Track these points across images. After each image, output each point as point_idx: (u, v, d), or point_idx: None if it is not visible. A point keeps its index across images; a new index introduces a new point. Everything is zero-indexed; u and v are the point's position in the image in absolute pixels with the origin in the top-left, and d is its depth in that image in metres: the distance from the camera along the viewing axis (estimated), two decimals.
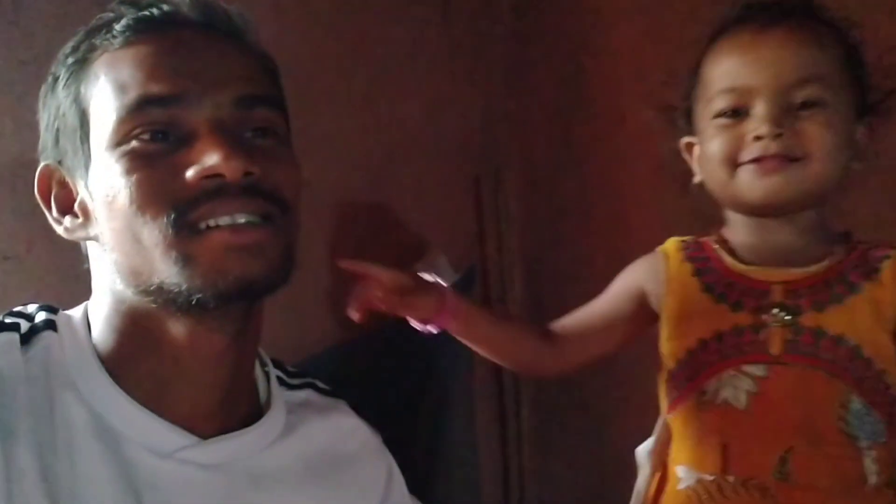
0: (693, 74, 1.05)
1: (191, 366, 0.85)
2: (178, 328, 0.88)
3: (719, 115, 1.00)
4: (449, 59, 1.56)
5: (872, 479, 0.93)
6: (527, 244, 1.54)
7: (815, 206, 0.99)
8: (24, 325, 0.88)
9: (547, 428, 1.49)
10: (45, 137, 0.93)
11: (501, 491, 1.56)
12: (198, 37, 0.90)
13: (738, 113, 0.99)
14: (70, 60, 0.91)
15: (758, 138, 0.96)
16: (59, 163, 0.92)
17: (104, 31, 0.91)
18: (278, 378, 0.94)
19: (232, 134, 0.86)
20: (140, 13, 0.90)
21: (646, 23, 1.31)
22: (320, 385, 0.98)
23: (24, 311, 0.93)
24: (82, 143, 0.88)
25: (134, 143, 0.84)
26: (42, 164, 0.94)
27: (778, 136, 0.96)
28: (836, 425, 0.93)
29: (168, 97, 0.85)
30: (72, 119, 0.89)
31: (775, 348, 0.95)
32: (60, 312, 0.93)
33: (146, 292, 0.87)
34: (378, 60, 1.44)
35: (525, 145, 1.61)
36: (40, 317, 0.91)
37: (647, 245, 1.26)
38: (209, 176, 0.83)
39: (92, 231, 0.90)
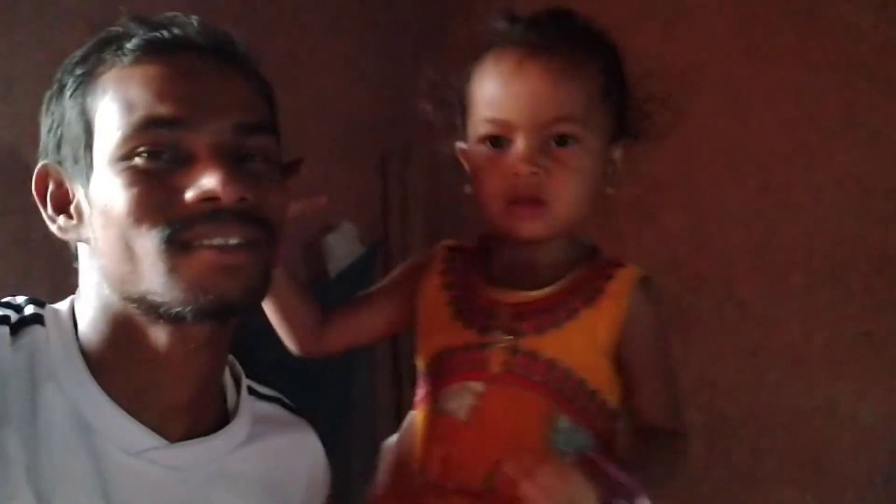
0: (467, 80, 1.02)
1: (166, 371, 0.88)
2: (157, 335, 0.93)
3: (483, 139, 0.99)
4: (363, 36, 1.59)
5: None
6: (431, 223, 1.58)
7: (567, 235, 0.99)
8: (14, 317, 0.90)
9: None
10: (47, 140, 0.94)
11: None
12: (204, 62, 0.92)
13: (500, 141, 0.98)
14: (78, 71, 0.93)
15: (516, 175, 0.96)
16: (59, 164, 0.94)
17: (114, 46, 0.92)
18: (249, 387, 0.97)
19: (230, 159, 0.90)
20: (151, 34, 0.92)
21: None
22: (287, 402, 1.03)
23: (12, 302, 0.95)
24: (85, 152, 0.90)
25: (137, 160, 0.87)
26: (41, 164, 0.96)
27: (534, 173, 0.96)
28: (541, 443, 0.94)
29: (173, 120, 0.87)
30: (76, 128, 0.91)
31: (495, 367, 0.97)
32: (48, 307, 0.95)
33: (130, 299, 0.90)
34: (296, 34, 1.46)
35: (433, 124, 1.65)
36: (28, 310, 0.94)
37: None
38: (206, 199, 0.87)
39: (84, 234, 0.93)
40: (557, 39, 1.01)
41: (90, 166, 0.90)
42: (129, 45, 0.92)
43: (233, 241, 0.87)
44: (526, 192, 0.96)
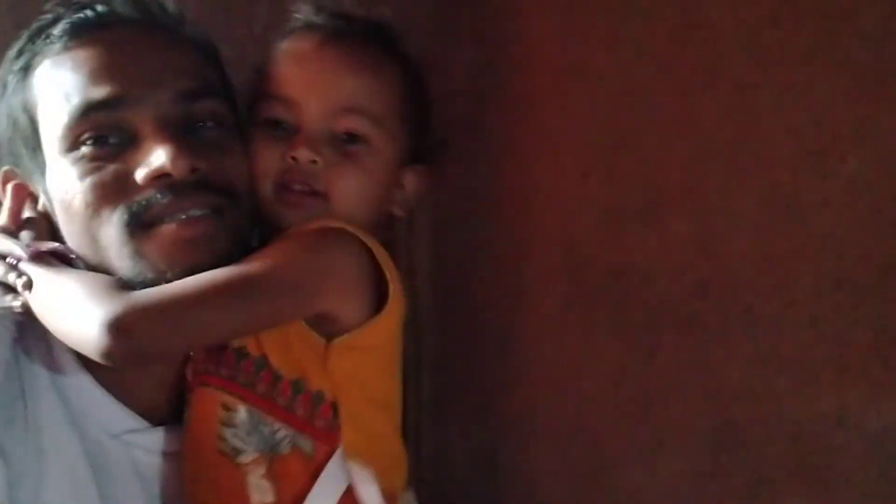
0: (265, 61, 1.01)
1: None
2: None
3: (266, 122, 0.96)
4: None
5: (261, 498, 0.87)
6: (437, 223, 1.57)
7: None
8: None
9: (443, 395, 1.54)
10: (2, 142, 0.93)
11: None
12: (135, 35, 0.91)
13: (281, 125, 0.95)
14: (16, 67, 0.92)
15: (293, 159, 0.93)
16: (16, 165, 0.93)
17: (44, 36, 0.91)
18: None
19: (177, 130, 0.88)
20: (75, 16, 0.91)
21: (565, 12, 1.36)
22: None
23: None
24: (35, 149, 0.90)
25: (84, 149, 0.87)
26: (2, 169, 0.95)
27: (312, 162, 0.93)
28: (214, 444, 0.88)
29: (110, 100, 0.87)
30: (23, 126, 0.91)
31: (195, 370, 0.92)
32: None
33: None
34: None
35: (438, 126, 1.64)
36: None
37: (550, 225, 1.32)
38: (158, 176, 0.86)
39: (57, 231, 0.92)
40: (363, 33, 0.99)
41: (42, 163, 0.89)
42: (55, 32, 0.91)
43: (194, 213, 0.87)
44: (300, 180, 0.94)
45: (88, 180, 0.87)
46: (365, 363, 0.92)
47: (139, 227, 0.88)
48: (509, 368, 1.43)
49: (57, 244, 0.87)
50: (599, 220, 1.30)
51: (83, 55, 0.88)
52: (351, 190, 0.95)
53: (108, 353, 0.77)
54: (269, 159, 0.95)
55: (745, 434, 1.15)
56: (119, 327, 0.76)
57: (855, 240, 1.04)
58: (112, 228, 0.87)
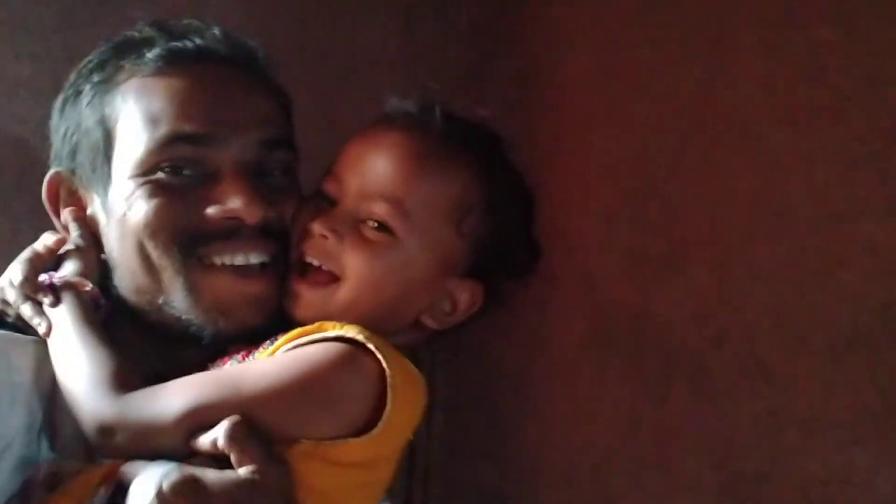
0: None
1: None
2: (155, 349, 0.92)
3: (317, 193, 0.96)
4: (408, 69, 1.59)
5: None
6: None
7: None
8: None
9: (454, 431, 1.54)
10: (61, 147, 0.96)
11: (404, 491, 1.61)
12: (227, 75, 0.93)
13: (327, 198, 0.95)
14: (96, 78, 0.94)
15: (306, 230, 0.93)
16: (72, 172, 0.95)
17: (133, 53, 0.93)
18: None
19: (253, 176, 0.91)
20: (173, 44, 0.93)
21: (597, 57, 1.37)
22: None
23: None
24: (104, 163, 0.92)
25: (159, 175, 0.90)
26: (53, 171, 0.97)
27: (323, 237, 0.91)
28: None
29: (197, 136, 0.89)
30: (95, 137, 0.92)
31: None
32: None
33: (147, 306, 0.91)
34: (341, 64, 1.50)
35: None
36: None
37: (573, 268, 1.32)
38: (229, 217, 0.88)
39: (98, 244, 0.94)
40: (442, 130, 0.96)
41: (108, 176, 0.92)
42: (150, 55, 0.93)
43: (253, 259, 0.89)
44: (311, 253, 0.92)
45: (156, 203, 0.88)
46: (336, 480, 0.86)
47: (197, 261, 0.89)
48: (522, 407, 1.42)
49: (90, 286, 0.88)
50: (621, 265, 1.31)
51: (176, 85, 0.90)
52: (361, 276, 0.92)
53: (94, 443, 0.82)
54: (298, 228, 0.95)
55: (754, 488, 1.14)
56: (104, 430, 0.80)
57: (871, 300, 1.04)
58: (169, 254, 0.88)
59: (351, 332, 0.84)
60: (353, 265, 0.91)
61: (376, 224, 0.91)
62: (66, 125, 0.98)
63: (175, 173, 0.89)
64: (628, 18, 1.33)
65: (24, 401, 0.85)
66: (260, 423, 0.79)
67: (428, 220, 0.93)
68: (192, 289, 0.89)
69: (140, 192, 0.88)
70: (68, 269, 0.91)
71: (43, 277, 0.89)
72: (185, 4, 1.22)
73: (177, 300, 0.90)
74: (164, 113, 0.89)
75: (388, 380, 0.83)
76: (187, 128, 0.89)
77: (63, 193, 0.97)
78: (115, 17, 1.15)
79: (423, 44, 1.60)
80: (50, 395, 0.85)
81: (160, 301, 0.92)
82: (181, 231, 0.88)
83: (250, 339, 0.91)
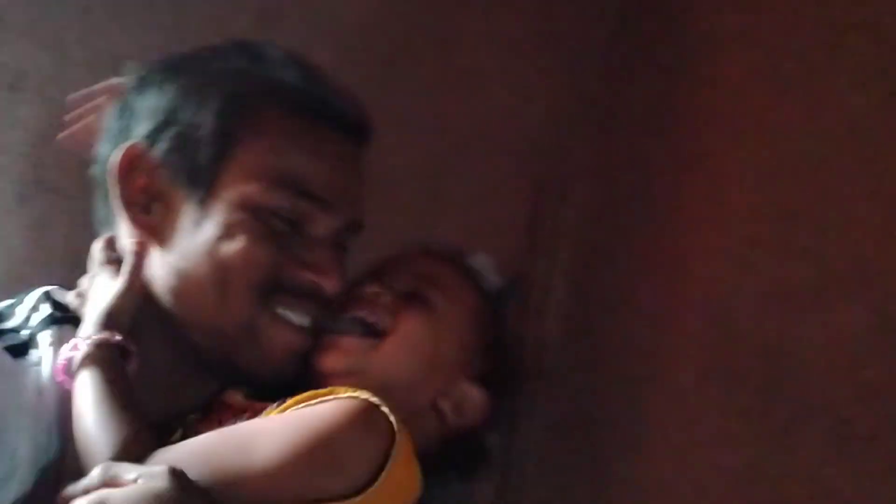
0: None
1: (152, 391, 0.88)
2: (175, 361, 0.94)
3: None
4: (542, 57, 1.53)
5: None
6: (581, 265, 1.49)
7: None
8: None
9: (552, 448, 1.46)
10: (157, 120, 0.95)
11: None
12: (351, 147, 0.99)
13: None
14: (229, 89, 0.94)
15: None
16: (162, 162, 0.94)
17: (276, 81, 0.95)
18: None
19: (340, 251, 0.98)
20: (327, 105, 0.96)
21: (753, 59, 1.25)
22: None
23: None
24: (211, 170, 0.92)
25: (270, 218, 0.90)
26: (135, 145, 0.94)
27: (377, 294, 0.99)
28: None
29: (319, 200, 0.93)
30: (208, 145, 0.95)
31: None
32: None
33: (192, 319, 0.92)
34: (468, 48, 1.48)
35: (599, 164, 1.56)
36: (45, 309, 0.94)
37: (702, 292, 1.22)
38: (313, 283, 0.94)
39: (161, 237, 0.94)
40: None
41: (209, 186, 0.89)
42: (292, 95, 0.94)
43: (306, 322, 0.95)
44: (356, 311, 0.99)
45: (259, 247, 0.91)
46: None
47: (265, 302, 0.93)
48: (629, 437, 1.33)
49: (120, 338, 0.88)
50: (759, 294, 1.20)
51: (311, 139, 0.94)
52: (408, 331, 0.99)
53: None
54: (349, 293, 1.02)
55: None
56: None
57: None
58: (248, 295, 0.92)
59: (364, 394, 0.86)
60: (405, 320, 0.98)
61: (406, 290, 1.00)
62: (172, 103, 0.97)
63: (284, 223, 0.92)
64: (791, 20, 1.23)
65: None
66: (273, 485, 0.80)
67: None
68: (253, 329, 0.94)
69: (247, 228, 0.91)
70: (106, 300, 0.91)
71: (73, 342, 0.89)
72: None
73: (231, 329, 0.94)
74: (297, 166, 0.93)
75: (397, 436, 0.84)
76: (316, 189, 0.93)
77: (142, 177, 0.94)
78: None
79: (562, 29, 1.52)
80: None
81: (210, 323, 0.93)
82: (270, 279, 0.92)
83: (249, 385, 0.95)
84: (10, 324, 0.94)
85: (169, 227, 0.93)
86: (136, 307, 0.91)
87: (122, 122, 0.95)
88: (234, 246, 0.89)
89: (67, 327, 0.92)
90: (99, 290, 0.92)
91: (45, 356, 0.89)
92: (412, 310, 0.98)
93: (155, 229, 0.93)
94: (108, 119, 0.99)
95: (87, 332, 0.88)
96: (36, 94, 1.30)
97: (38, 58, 1.31)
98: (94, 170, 0.99)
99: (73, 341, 0.88)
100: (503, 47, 1.50)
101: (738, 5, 1.31)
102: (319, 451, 0.81)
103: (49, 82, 1.29)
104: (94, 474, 0.78)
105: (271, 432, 0.83)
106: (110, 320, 0.90)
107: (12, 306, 0.96)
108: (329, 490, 0.81)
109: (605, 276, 1.47)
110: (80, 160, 1.09)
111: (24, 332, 0.93)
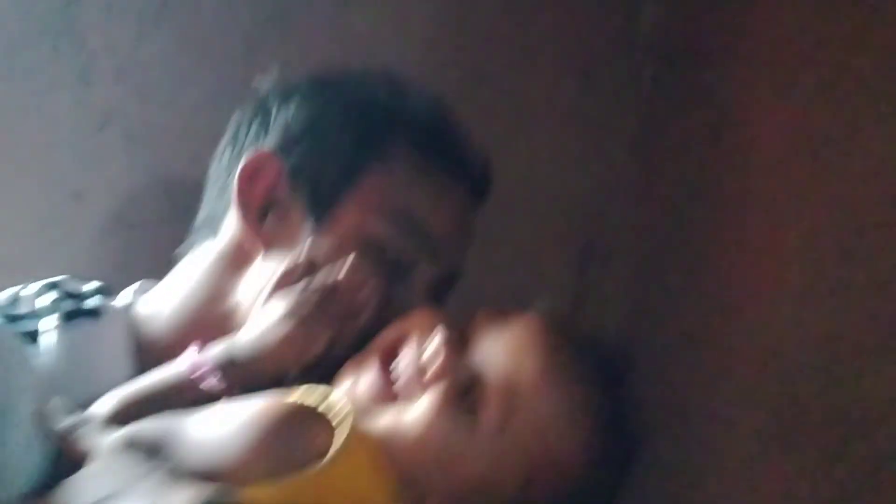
0: None
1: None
2: None
3: None
4: (581, 118, 1.54)
5: None
6: (623, 325, 1.44)
7: None
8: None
9: None
10: (292, 133, 0.96)
11: None
12: (472, 205, 1.02)
13: None
14: (370, 119, 0.96)
15: None
16: (294, 173, 0.95)
17: (419, 128, 0.98)
18: None
19: (436, 302, 0.99)
20: (459, 155, 0.99)
21: (796, 110, 1.21)
22: None
23: (74, 290, 0.95)
24: (335, 193, 0.95)
25: (380, 253, 0.93)
26: (274, 154, 0.95)
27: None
28: None
29: (432, 243, 0.94)
30: (340, 164, 0.97)
31: None
32: (110, 302, 0.96)
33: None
34: (513, 106, 1.50)
35: (642, 223, 1.52)
36: (91, 302, 0.94)
37: (755, 350, 1.16)
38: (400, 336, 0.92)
39: (267, 245, 0.95)
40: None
41: (329, 213, 0.89)
42: (431, 142, 0.97)
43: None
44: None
45: (365, 271, 0.91)
46: None
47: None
48: (691, 490, 1.24)
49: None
50: (817, 348, 1.11)
51: (438, 184, 0.96)
52: None
53: None
54: None
55: None
56: None
57: None
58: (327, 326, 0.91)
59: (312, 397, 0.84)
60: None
61: None
62: (316, 114, 1.00)
63: (391, 263, 0.93)
64: (833, 69, 1.15)
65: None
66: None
67: None
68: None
69: (356, 251, 0.91)
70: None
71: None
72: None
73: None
74: (420, 205, 0.94)
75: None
76: (433, 232, 0.94)
77: (267, 176, 0.95)
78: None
79: (600, 94, 1.50)
80: None
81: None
82: (351, 316, 0.92)
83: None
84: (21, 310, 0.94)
85: (279, 238, 0.94)
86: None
87: (254, 125, 0.96)
88: (339, 264, 0.91)
89: (82, 320, 0.91)
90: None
91: (47, 343, 0.87)
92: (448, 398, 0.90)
93: (265, 236, 0.93)
94: (240, 117, 1.00)
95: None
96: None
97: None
98: (212, 167, 1.00)
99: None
100: (546, 108, 1.54)
101: (775, 63, 1.25)
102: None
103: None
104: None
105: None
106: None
107: (16, 294, 0.96)
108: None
109: (652, 337, 1.41)
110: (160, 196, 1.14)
111: (32, 320, 0.92)
